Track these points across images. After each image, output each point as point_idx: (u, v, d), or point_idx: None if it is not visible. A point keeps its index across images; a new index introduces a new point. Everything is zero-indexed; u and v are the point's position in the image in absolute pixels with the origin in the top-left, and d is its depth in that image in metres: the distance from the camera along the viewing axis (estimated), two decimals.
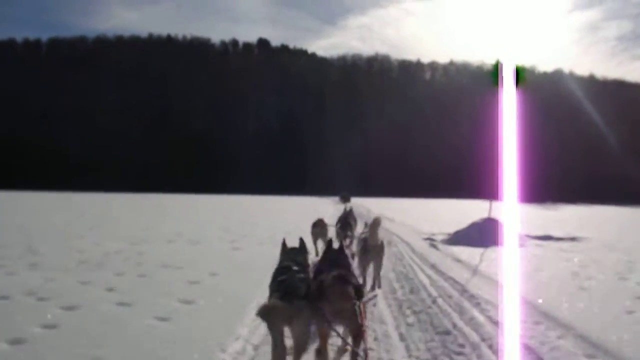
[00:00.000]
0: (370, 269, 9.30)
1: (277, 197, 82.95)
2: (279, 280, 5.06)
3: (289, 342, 4.84)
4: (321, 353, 4.96)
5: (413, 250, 14.39)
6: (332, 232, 13.70)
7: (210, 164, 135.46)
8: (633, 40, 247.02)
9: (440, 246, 15.18)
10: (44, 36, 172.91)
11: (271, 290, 5.06)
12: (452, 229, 18.69)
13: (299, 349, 4.80)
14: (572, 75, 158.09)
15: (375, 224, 9.20)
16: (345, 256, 5.82)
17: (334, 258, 5.64)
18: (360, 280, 7.61)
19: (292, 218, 26.81)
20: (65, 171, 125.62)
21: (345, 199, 64.49)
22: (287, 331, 4.80)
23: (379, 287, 9.28)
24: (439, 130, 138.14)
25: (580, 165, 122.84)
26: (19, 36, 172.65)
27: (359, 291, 4.96)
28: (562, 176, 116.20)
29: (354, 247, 10.87)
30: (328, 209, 15.59)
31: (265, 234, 17.50)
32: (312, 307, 4.78)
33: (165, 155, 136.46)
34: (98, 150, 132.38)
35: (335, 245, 6.03)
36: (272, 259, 6.33)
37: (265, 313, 4.57)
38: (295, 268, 5.31)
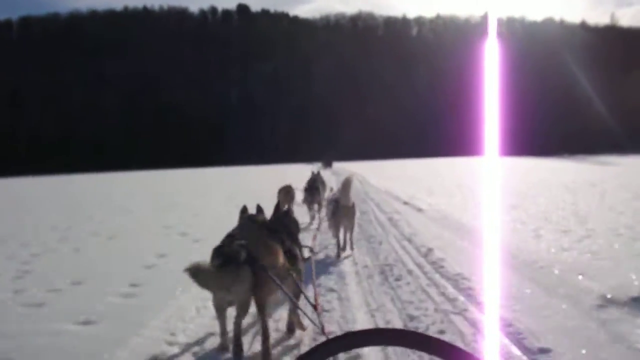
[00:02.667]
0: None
1: (263, 166, 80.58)
2: (215, 248, 4.99)
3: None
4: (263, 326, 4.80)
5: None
6: (300, 197, 14.17)
7: (194, 136, 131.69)
8: None
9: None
10: (15, 16, 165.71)
11: (210, 259, 4.84)
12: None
13: (240, 312, 4.81)
14: (562, 22, 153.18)
15: (346, 184, 9.30)
16: (292, 220, 5.93)
17: (279, 221, 5.66)
18: (338, 242, 9.01)
19: (265, 186, 25.46)
20: (41, 153, 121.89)
21: (327, 164, 63.41)
22: None
23: (352, 248, 9.38)
24: (428, 88, 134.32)
25: (569, 115, 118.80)
26: None
27: (292, 253, 5.08)
28: (549, 128, 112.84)
29: (323, 211, 11.75)
30: (307, 175, 14.26)
31: (232, 202, 17.86)
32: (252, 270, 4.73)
33: (146, 129, 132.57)
34: (73, 129, 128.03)
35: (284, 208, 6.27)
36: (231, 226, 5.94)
37: (193, 273, 4.45)
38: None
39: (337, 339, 1.43)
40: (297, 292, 4.90)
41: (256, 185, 32.10)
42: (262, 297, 4.78)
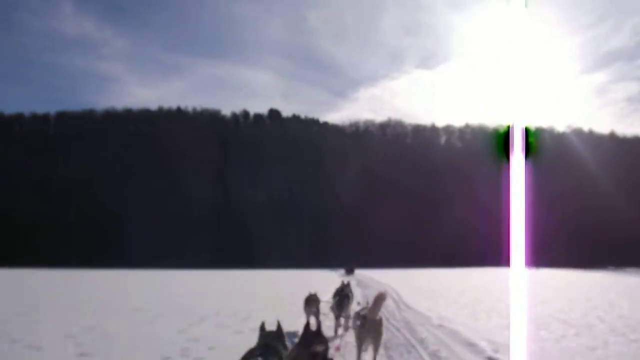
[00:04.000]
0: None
1: (284, 270, 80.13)
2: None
3: None
4: None
5: None
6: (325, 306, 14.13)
7: (217, 237, 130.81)
8: None
9: None
10: (52, 111, 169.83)
11: None
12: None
13: None
14: (591, 133, 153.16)
15: (379, 299, 9.24)
16: (323, 338, 5.93)
17: (309, 341, 5.70)
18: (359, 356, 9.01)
19: (287, 292, 26.99)
20: (62, 245, 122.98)
21: (349, 271, 62.71)
22: None
23: None
24: (455, 196, 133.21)
25: (600, 226, 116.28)
26: (27, 111, 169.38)
27: None
28: (579, 239, 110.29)
29: (350, 323, 11.65)
30: (330, 281, 14.61)
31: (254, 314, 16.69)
32: None
33: (173, 229, 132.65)
34: (98, 224, 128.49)
35: (313, 326, 6.36)
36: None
37: None
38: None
39: None
40: None
41: (278, 291, 31.43)
42: None
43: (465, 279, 49.18)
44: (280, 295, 27.29)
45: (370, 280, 46.81)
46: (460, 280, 46.96)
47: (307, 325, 6.18)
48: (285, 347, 5.73)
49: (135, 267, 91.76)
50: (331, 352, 5.56)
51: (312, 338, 5.82)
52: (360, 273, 62.63)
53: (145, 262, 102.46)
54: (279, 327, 5.93)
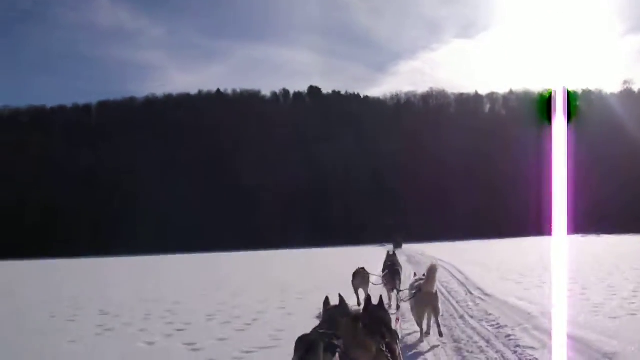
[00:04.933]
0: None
1: (331, 248, 79.87)
2: (298, 338, 5.15)
3: None
4: None
5: None
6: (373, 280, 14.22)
7: (262, 218, 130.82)
8: None
9: None
10: (94, 101, 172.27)
11: (294, 350, 5.03)
12: None
13: None
14: None
15: (431, 272, 9.56)
16: (386, 312, 5.80)
17: (373, 314, 5.48)
18: (422, 328, 9.60)
19: (337, 269, 26.87)
20: (106, 233, 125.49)
21: (397, 245, 62.11)
22: None
23: (440, 334, 9.42)
24: (500, 165, 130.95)
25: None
26: (69, 102, 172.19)
27: (390, 347, 4.91)
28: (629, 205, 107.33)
29: (403, 293, 11.75)
30: (379, 257, 17.13)
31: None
32: None
33: (214, 211, 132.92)
34: (140, 211, 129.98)
35: (375, 300, 5.99)
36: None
37: None
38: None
39: None
40: None
41: (328, 269, 31.90)
42: None
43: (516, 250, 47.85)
44: (327, 273, 27.82)
45: (415, 253, 46.45)
46: (511, 252, 45.55)
47: (368, 298, 6.09)
48: None
49: (197, 251, 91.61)
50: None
51: (376, 309, 5.70)
52: (407, 247, 62.18)
53: (204, 246, 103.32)
54: (341, 301, 6.13)
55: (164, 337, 11.17)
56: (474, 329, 10.45)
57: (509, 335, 9.47)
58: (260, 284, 23.47)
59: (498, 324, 10.61)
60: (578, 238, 66.60)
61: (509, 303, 12.77)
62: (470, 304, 13.72)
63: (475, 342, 9.28)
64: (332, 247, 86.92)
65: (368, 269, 14.55)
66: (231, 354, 9.16)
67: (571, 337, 8.56)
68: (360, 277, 13.83)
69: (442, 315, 10.72)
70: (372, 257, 20.99)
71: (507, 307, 12.29)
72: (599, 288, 15.19)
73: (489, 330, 10.14)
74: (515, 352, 8.43)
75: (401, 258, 34.40)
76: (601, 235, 75.69)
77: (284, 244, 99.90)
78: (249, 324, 12.21)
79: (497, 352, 8.55)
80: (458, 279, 20.03)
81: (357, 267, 14.49)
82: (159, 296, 20.00)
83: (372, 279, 14.21)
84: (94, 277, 36.88)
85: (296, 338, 5.30)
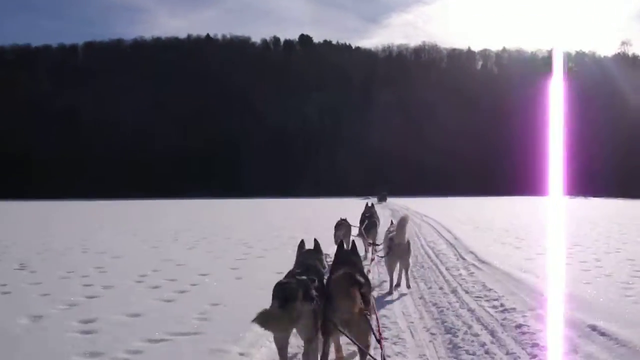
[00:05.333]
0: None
1: (317, 199, 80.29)
2: (275, 285, 5.10)
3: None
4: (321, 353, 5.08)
5: None
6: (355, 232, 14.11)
7: (247, 165, 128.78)
8: None
9: None
10: (80, 41, 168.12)
11: (273, 295, 5.01)
12: None
13: (308, 349, 5.04)
14: (636, 57, 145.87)
15: (402, 223, 9.64)
16: (358, 257, 5.89)
17: (345, 259, 5.61)
18: (392, 279, 9.68)
19: (320, 220, 27.10)
20: (90, 175, 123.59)
21: (382, 199, 64.05)
22: None
23: (408, 286, 9.71)
24: (491, 122, 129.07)
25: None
26: (54, 42, 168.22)
27: (364, 295, 4.98)
28: (621, 168, 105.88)
29: (378, 249, 11.59)
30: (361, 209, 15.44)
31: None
32: (319, 310, 4.99)
33: (197, 157, 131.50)
34: (124, 153, 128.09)
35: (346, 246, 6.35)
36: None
37: (261, 321, 4.63)
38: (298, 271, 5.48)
39: None
40: (367, 335, 4.84)
41: (310, 217, 32.23)
42: (326, 333, 5.02)
43: (499, 208, 46.47)
44: (310, 221, 28.39)
45: (399, 207, 44.91)
46: (494, 208, 44.49)
47: (341, 244, 6.14)
48: (323, 265, 5.93)
49: (181, 197, 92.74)
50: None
51: (348, 255, 5.79)
52: (393, 202, 61.05)
53: (187, 192, 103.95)
54: (316, 245, 6.17)
55: (61, 310, 7.96)
56: (471, 311, 8.02)
57: (520, 326, 6.96)
58: (227, 234, 21.23)
59: (502, 305, 8.12)
60: (567, 199, 66.78)
61: (513, 276, 10.09)
62: (463, 272, 11.38)
63: (476, 335, 6.78)
64: (316, 197, 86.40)
65: (350, 222, 14.37)
66: (130, 342, 6.22)
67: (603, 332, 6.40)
68: (343, 228, 13.69)
69: (431, 288, 9.88)
70: (357, 209, 19.70)
71: (510, 282, 9.63)
72: (614, 260, 12.74)
73: (492, 315, 7.67)
74: (533, 356, 5.93)
75: (384, 212, 32.97)
76: (589, 198, 74.77)
77: (265, 193, 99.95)
78: (184, 291, 9.30)
79: (509, 353, 6.05)
80: (446, 239, 17.64)
81: (339, 219, 14.29)
82: (87, 246, 16.92)
83: (354, 230, 14.21)
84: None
85: (231, 312, 5.92)
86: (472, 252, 13.73)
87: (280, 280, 5.23)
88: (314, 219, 30.09)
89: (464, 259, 13.07)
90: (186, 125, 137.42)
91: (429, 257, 13.99)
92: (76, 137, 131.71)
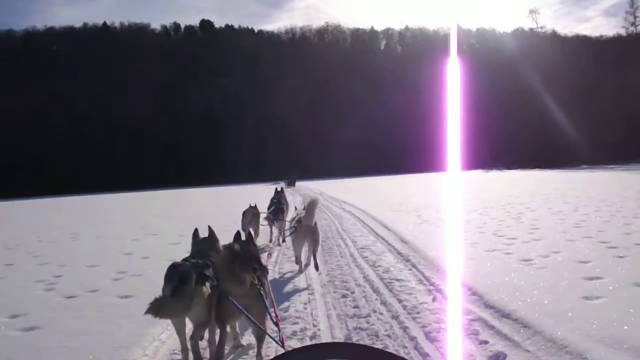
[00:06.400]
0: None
1: (224, 187, 79.42)
2: (168, 268, 5.00)
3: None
4: (218, 342, 5.05)
5: None
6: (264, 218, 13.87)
7: (150, 156, 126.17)
8: (575, 3, 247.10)
9: None
10: None
11: (165, 278, 4.93)
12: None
13: (195, 335, 4.97)
14: (533, 32, 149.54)
15: (311, 206, 9.60)
16: (255, 246, 5.80)
17: (243, 247, 5.41)
18: (299, 259, 9.85)
19: (226, 208, 27.00)
20: None
21: (290, 183, 63.49)
22: None
23: (317, 269, 9.42)
24: (395, 102, 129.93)
25: (541, 128, 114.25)
26: None
27: (261, 281, 5.04)
28: (521, 142, 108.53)
29: (287, 232, 11.48)
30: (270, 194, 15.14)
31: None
32: (214, 294, 5.00)
33: (96, 150, 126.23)
34: (17, 151, 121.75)
35: (243, 235, 6.39)
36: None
37: (155, 310, 4.49)
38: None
39: (297, 350, 1.61)
40: (263, 318, 4.88)
41: (216, 207, 31.47)
42: (221, 319, 4.99)
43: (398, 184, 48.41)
44: (215, 210, 27.79)
45: (308, 190, 44.25)
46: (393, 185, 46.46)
47: (237, 233, 6.08)
48: (220, 253, 5.67)
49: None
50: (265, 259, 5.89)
51: (244, 243, 5.60)
52: (305, 185, 60.43)
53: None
54: (211, 233, 6.06)
55: None
56: None
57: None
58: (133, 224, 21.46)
59: None
60: (481, 173, 68.26)
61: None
62: (420, 290, 8.24)
63: None
64: (224, 185, 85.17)
65: (260, 208, 14.19)
66: None
67: None
68: (249, 216, 13.43)
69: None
70: (266, 195, 18.68)
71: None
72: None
73: None
74: None
75: (296, 199, 31.71)
76: (504, 171, 76.80)
77: (170, 184, 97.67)
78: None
79: None
80: (380, 236, 14.15)
81: (248, 205, 14.01)
82: None
83: (262, 217, 13.99)
84: None
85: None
86: (417, 252, 10.94)
87: (174, 262, 5.14)
88: (220, 208, 29.27)
89: (408, 261, 10.39)
90: (83, 117, 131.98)
91: (368, 261, 10.78)
92: None
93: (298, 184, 65.09)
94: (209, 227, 6.13)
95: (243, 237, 6.13)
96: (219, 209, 29.54)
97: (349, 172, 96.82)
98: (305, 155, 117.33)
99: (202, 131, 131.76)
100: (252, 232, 11.25)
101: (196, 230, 6.15)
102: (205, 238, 5.98)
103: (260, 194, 28.70)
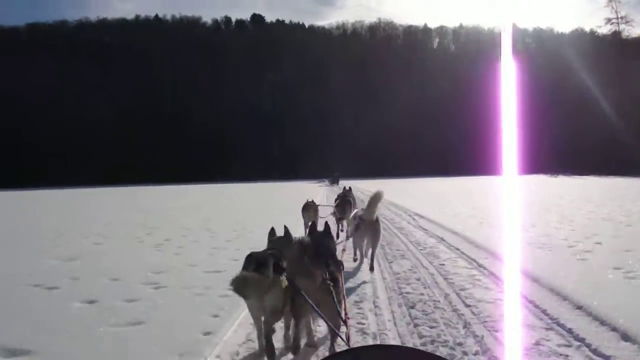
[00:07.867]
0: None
1: (271, 183, 78.21)
2: (249, 255, 5.17)
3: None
4: (293, 336, 5.09)
5: None
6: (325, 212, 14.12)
7: (199, 150, 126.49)
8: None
9: None
10: (22, 23, 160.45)
11: (243, 266, 5.06)
12: None
13: (269, 321, 4.97)
14: (593, 34, 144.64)
15: (373, 199, 9.12)
16: (331, 238, 5.94)
17: (317, 241, 5.54)
18: (356, 257, 9.66)
19: (283, 204, 26.65)
20: (34, 163, 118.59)
21: (334, 182, 63.05)
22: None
23: (371, 269, 8.96)
24: (448, 102, 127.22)
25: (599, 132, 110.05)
26: None
27: (333, 276, 4.95)
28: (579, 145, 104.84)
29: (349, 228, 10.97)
30: (317, 192, 16.70)
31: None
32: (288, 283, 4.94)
33: (145, 142, 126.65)
34: (67, 140, 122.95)
35: (321, 227, 6.17)
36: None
37: (238, 285, 4.64)
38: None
39: (361, 348, 1.59)
40: (334, 315, 4.72)
41: (274, 203, 30.14)
42: (295, 314, 4.99)
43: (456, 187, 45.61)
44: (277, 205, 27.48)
45: (361, 193, 42.42)
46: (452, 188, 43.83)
47: (313, 225, 6.27)
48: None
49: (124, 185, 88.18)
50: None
51: (321, 235, 5.80)
52: (344, 184, 58.49)
53: (131, 179, 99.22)
54: (286, 232, 6.06)
55: None
56: None
57: None
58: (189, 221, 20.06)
59: None
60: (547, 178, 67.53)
61: None
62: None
63: None
64: (270, 181, 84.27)
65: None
66: None
67: None
68: (311, 210, 13.70)
69: None
70: (314, 192, 17.31)
71: None
72: None
73: None
74: None
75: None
76: (572, 176, 74.04)
77: (219, 179, 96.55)
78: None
79: None
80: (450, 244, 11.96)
81: (306, 200, 14.32)
82: None
83: (322, 210, 14.23)
84: None
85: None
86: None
87: (252, 252, 5.29)
88: (271, 204, 28.94)
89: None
90: (134, 108, 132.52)
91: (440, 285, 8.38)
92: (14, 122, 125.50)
93: (349, 184, 62.73)
94: (285, 226, 6.16)
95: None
96: (280, 203, 28.84)
97: (399, 172, 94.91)
98: (351, 154, 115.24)
99: (249, 126, 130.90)
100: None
101: (272, 229, 6.21)
102: (280, 237, 6.02)
103: (312, 191, 27.54)
